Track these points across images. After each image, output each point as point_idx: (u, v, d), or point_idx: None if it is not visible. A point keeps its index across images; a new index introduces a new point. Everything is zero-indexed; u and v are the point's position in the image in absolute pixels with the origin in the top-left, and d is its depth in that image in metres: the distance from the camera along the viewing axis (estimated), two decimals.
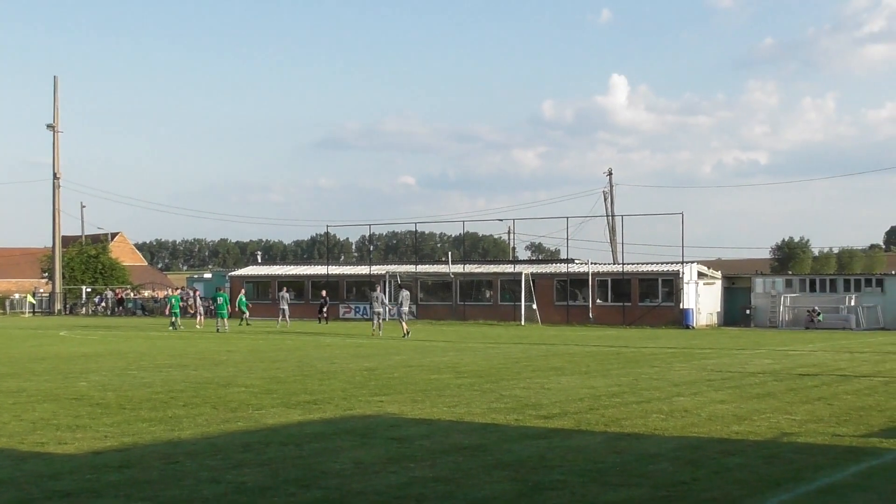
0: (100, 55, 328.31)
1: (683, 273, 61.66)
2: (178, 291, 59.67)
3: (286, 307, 57.13)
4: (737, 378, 23.97)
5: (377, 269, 72.59)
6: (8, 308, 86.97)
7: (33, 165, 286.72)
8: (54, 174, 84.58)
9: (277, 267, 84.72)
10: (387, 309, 47.53)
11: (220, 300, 51.41)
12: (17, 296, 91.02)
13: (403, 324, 44.91)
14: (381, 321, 46.00)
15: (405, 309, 46.15)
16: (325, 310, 62.78)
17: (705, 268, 66.08)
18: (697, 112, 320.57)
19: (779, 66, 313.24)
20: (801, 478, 11.33)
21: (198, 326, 54.43)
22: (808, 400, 19.17)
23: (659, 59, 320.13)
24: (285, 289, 61.19)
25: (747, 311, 62.96)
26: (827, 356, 32.59)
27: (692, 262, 64.12)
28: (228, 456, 12.45)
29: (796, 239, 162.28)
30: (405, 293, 47.66)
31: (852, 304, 60.72)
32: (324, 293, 64.71)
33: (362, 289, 72.44)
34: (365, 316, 69.27)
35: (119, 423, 15.54)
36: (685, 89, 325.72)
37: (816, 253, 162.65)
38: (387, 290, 68.34)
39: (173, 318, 53.90)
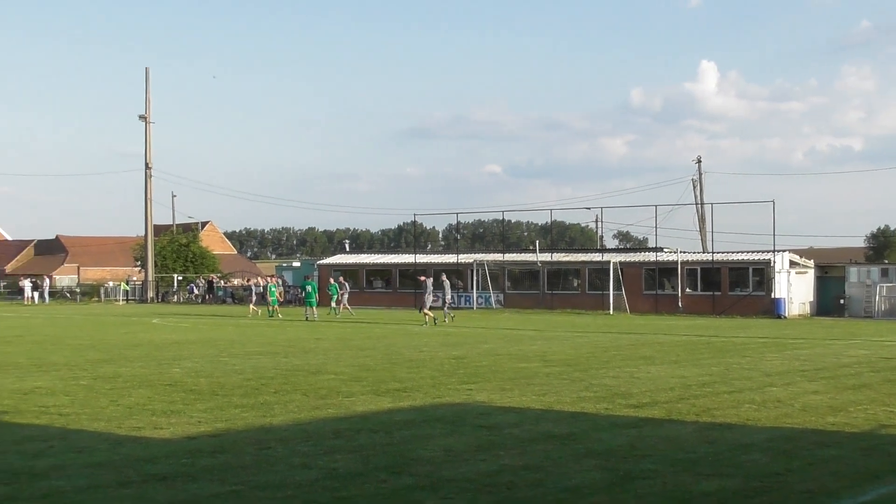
0: (190, 45, 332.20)
1: (775, 262, 60.82)
2: (275, 279, 59.99)
3: (347, 296, 56.84)
4: (831, 369, 23.64)
5: (464, 258, 72.61)
6: (102, 296, 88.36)
7: (126, 156, 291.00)
8: (146, 164, 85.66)
9: (365, 255, 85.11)
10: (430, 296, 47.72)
11: (308, 288, 51.39)
12: (110, 284, 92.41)
13: (429, 312, 45.05)
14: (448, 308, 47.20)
15: (430, 298, 45.94)
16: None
17: (797, 256, 65.08)
18: (789, 98, 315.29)
19: (875, 49, 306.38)
20: None
21: (249, 315, 54.60)
22: None
23: (750, 44, 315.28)
24: (341, 277, 60.82)
25: (841, 301, 61.93)
26: None
27: (784, 251, 63.19)
28: (319, 442, 12.56)
29: (892, 227, 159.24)
30: (430, 281, 47.53)
31: None
32: (443, 278, 64.65)
33: (449, 277, 72.54)
34: (453, 304, 69.51)
35: (212, 408, 15.76)
36: (777, 75, 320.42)
37: None
38: (475, 278, 68.47)
39: (270, 307, 54.66)
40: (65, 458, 11.47)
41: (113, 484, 10.11)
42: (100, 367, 23.14)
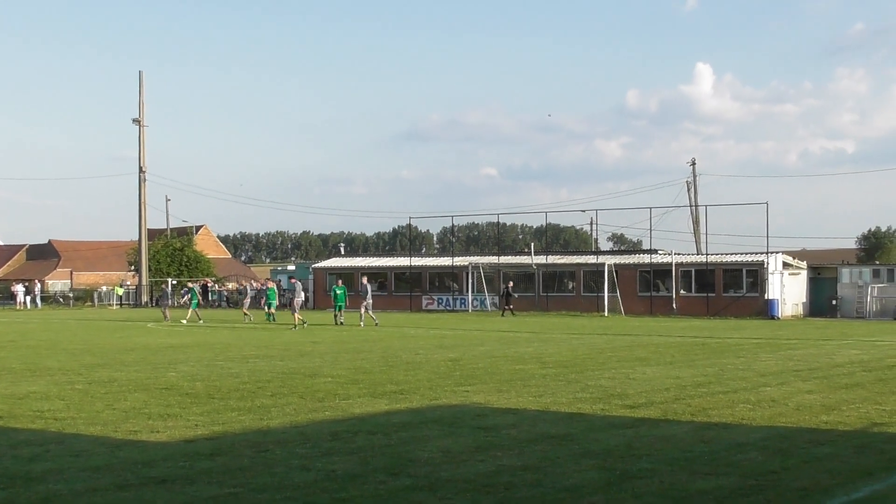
0: (183, 48, 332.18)
1: (768, 263, 60.99)
2: (273, 283, 59.77)
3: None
4: (824, 369, 23.72)
5: (459, 261, 72.70)
6: (96, 301, 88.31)
7: (119, 160, 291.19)
8: (140, 168, 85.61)
9: (360, 259, 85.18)
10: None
11: (338, 292, 50.46)
12: (104, 288, 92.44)
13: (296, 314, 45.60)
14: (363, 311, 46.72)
15: (300, 299, 45.97)
16: (509, 301, 63.20)
17: (790, 258, 65.24)
18: (784, 100, 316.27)
19: (868, 52, 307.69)
20: (895, 468, 11.22)
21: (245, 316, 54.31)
22: None
23: (745, 47, 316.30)
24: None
25: (833, 302, 62.09)
26: None
27: (777, 253, 63.39)
28: (317, 444, 12.60)
29: (883, 228, 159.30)
30: (299, 284, 47.62)
31: None
32: (510, 284, 64.70)
33: (445, 281, 72.71)
34: (448, 307, 69.55)
35: (209, 412, 15.78)
36: (772, 77, 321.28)
37: None
38: (471, 281, 68.58)
39: (270, 310, 54.27)
40: (62, 462, 11.48)
41: (111, 487, 10.13)
42: (95, 371, 23.15)
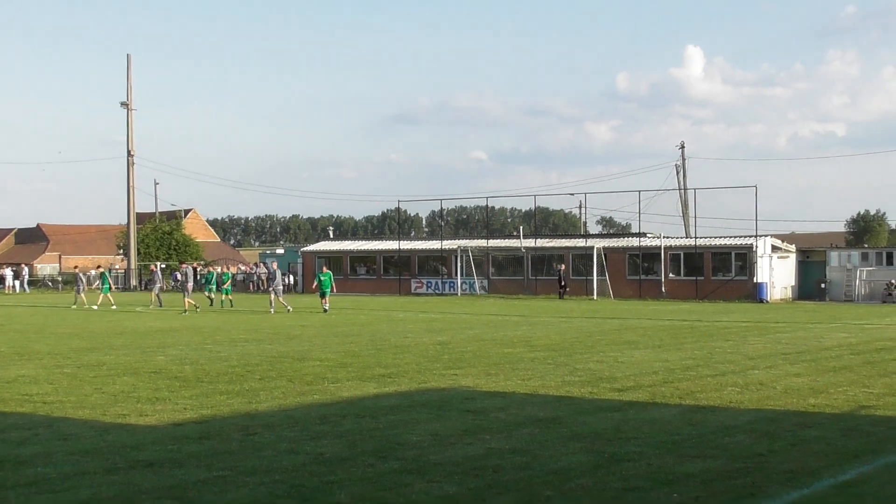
0: (172, 32, 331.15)
1: (757, 247, 61.05)
2: (219, 268, 58.07)
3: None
4: (812, 352, 23.80)
5: (448, 244, 72.64)
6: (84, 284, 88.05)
7: (108, 143, 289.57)
8: (128, 152, 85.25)
9: (349, 242, 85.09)
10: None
11: (322, 278, 49.20)
12: (92, 272, 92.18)
13: (188, 299, 45.73)
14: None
15: (191, 284, 46.15)
16: (564, 284, 63.25)
17: (779, 241, 65.32)
18: (775, 83, 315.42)
19: (860, 34, 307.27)
20: (881, 450, 11.28)
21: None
22: (885, 373, 19.02)
23: (736, 29, 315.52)
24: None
25: (822, 285, 62.21)
26: None
27: (766, 236, 63.45)
28: (306, 428, 12.61)
29: (872, 212, 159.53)
30: (189, 270, 47.53)
31: None
32: (562, 267, 64.72)
33: (433, 264, 72.70)
34: (437, 291, 69.56)
35: (197, 395, 15.79)
36: (763, 60, 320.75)
37: (893, 226, 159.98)
38: (460, 264, 68.55)
39: (226, 296, 52.15)
40: (50, 446, 11.49)
41: (99, 471, 10.14)
42: (84, 355, 23.13)
